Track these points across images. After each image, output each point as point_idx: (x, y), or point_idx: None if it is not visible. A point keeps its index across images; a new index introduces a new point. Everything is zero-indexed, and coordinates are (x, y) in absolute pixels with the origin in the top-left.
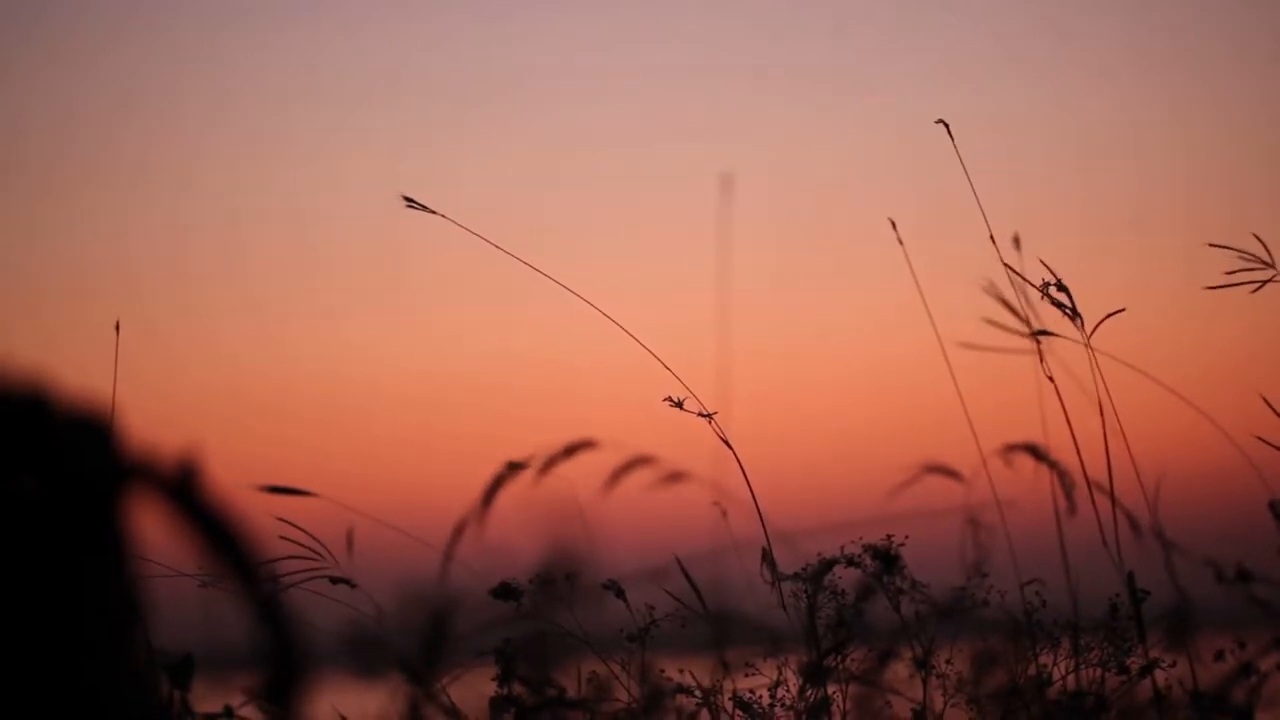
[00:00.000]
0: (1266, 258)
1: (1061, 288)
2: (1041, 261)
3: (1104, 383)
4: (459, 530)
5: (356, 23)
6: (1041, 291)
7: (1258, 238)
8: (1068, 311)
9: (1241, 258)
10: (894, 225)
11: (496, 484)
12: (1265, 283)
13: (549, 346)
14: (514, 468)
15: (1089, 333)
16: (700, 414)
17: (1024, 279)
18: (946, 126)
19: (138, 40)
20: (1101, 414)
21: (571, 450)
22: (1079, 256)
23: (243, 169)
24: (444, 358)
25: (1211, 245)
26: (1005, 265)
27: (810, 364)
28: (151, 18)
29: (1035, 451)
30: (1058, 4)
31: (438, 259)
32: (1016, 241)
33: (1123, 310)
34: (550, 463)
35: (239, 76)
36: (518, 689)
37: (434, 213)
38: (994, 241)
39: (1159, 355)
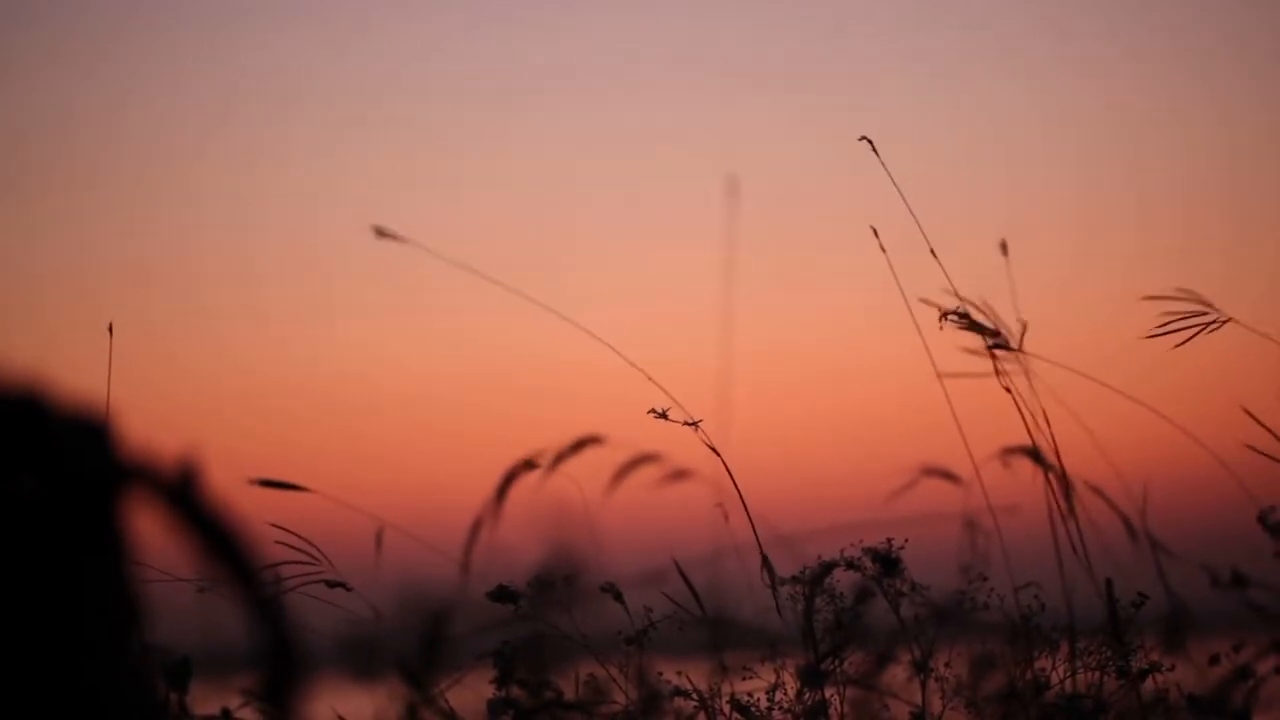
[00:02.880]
0: (1201, 307)
1: (965, 315)
2: (954, 293)
3: (1034, 394)
4: (476, 528)
5: (361, 25)
6: (943, 317)
7: (1187, 291)
8: (987, 332)
9: (1168, 313)
10: (876, 233)
11: (509, 480)
12: (1200, 330)
13: (548, 348)
14: (527, 465)
15: (1019, 348)
16: (686, 423)
17: (938, 306)
18: (871, 143)
19: (135, 40)
20: (1050, 428)
21: (579, 446)
22: (1072, 258)
23: (240, 169)
24: (444, 359)
25: (1147, 298)
26: (922, 300)
27: (806, 367)
28: (152, 17)
29: (1033, 455)
30: (1054, 5)
31: (437, 260)
32: (1004, 248)
33: (1026, 324)
34: (559, 459)
35: (239, 76)
36: (516, 691)
37: (406, 241)
38: (934, 255)
39: (1143, 365)
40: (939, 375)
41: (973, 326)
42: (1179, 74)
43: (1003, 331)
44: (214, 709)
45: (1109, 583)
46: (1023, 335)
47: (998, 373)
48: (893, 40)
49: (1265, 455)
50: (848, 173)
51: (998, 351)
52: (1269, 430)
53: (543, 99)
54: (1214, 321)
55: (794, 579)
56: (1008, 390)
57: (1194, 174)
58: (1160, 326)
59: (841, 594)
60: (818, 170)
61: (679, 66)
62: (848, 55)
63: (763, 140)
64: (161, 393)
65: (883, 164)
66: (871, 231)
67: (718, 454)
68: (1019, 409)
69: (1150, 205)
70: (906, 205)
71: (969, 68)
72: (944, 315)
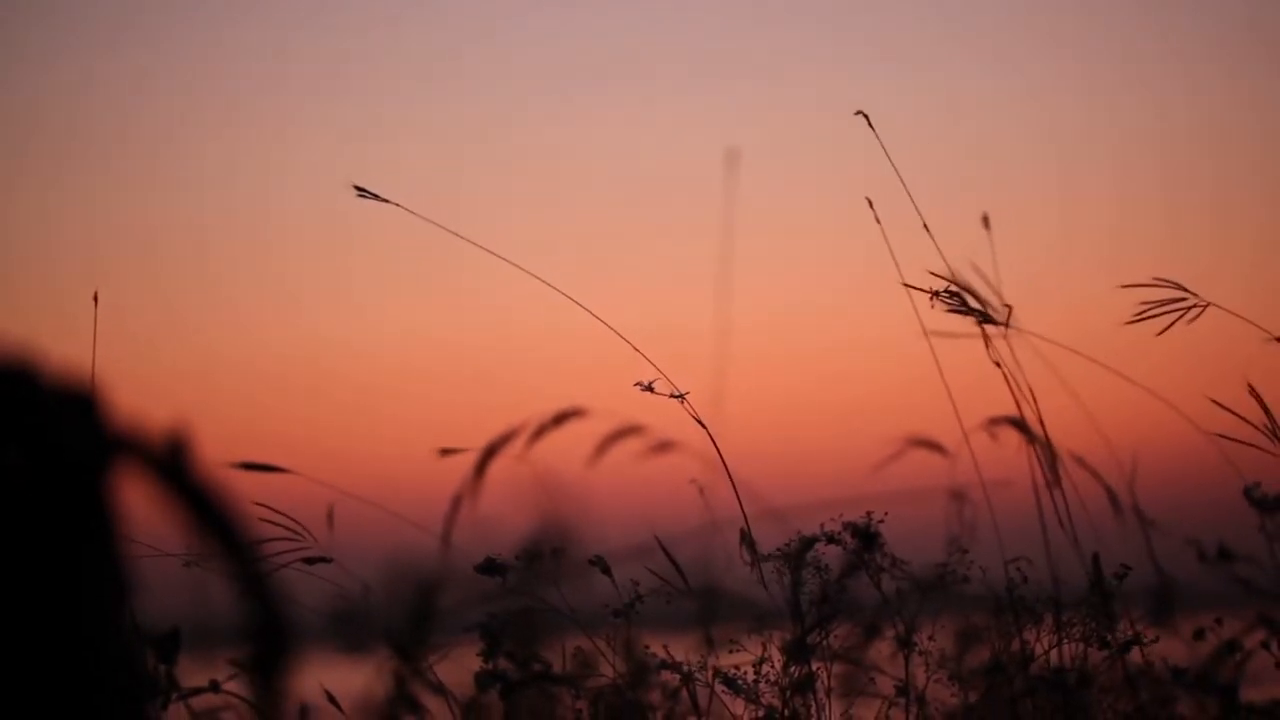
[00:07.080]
0: (1179, 294)
1: (956, 294)
2: (932, 273)
3: (1022, 371)
4: (456, 503)
5: (367, 14)
6: (934, 298)
7: (1165, 279)
8: (975, 313)
9: (1146, 302)
10: (871, 204)
11: (489, 453)
12: (1179, 317)
13: (538, 323)
14: (503, 440)
15: (1005, 326)
16: (672, 395)
17: (925, 289)
18: (866, 118)
19: (154, 14)
20: (1035, 403)
21: (561, 418)
22: (1051, 241)
23: (240, 145)
24: (436, 331)
25: (1125, 287)
26: (905, 284)
27: (795, 341)
28: (145, 4)
29: (1019, 425)
30: None
31: (423, 228)
32: (985, 221)
33: (1011, 308)
34: (540, 431)
35: (221, 60)
36: (503, 664)
37: (385, 201)
38: (927, 230)
39: (1127, 340)
40: (925, 334)
41: (961, 307)
42: (1151, 55)
43: (989, 309)
44: (202, 682)
45: (1096, 556)
46: (1009, 316)
47: (987, 346)
48: (884, 22)
49: (1236, 441)
50: (841, 150)
51: (986, 326)
52: (1239, 417)
53: (540, 78)
54: (1192, 307)
55: (776, 554)
56: (997, 364)
57: (1173, 154)
58: (1138, 314)
59: (827, 568)
60: (810, 147)
61: (678, 48)
62: (840, 37)
63: (746, 121)
64: (152, 364)
65: (877, 137)
66: (866, 203)
67: (704, 426)
68: (1008, 383)
69: (1130, 183)
70: (900, 178)
71: (952, 49)
72: (934, 295)
